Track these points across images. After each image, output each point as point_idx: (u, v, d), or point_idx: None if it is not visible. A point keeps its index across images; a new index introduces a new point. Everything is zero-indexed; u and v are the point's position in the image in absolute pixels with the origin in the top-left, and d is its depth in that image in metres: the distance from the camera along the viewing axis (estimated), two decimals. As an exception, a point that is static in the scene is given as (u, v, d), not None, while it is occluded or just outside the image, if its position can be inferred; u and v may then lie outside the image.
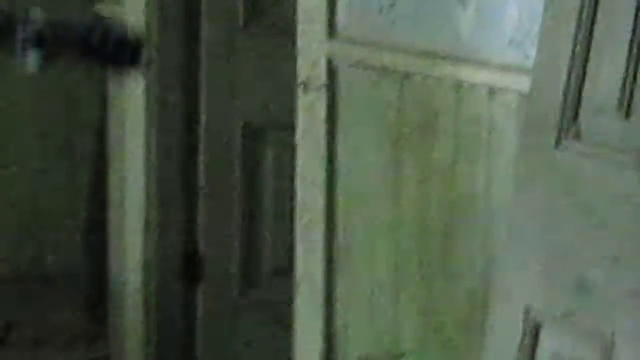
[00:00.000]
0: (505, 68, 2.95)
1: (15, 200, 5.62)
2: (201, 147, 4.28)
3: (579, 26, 2.40)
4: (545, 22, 2.62)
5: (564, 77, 2.47)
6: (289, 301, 3.69)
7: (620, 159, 2.25)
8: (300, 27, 3.60)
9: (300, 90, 3.63)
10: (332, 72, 3.51)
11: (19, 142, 5.72)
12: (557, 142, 2.45)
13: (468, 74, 3.09)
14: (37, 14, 2.26)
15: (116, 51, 2.17)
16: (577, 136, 2.41)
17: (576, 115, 2.44)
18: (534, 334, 2.46)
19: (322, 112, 3.52)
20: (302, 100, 3.62)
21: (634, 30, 2.26)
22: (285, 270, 3.86)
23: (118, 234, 4.65)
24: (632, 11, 2.26)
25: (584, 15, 2.39)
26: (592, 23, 2.40)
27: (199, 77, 4.31)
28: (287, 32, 3.75)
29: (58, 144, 5.69)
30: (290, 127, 3.67)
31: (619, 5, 2.34)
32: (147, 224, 4.32)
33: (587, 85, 2.42)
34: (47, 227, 5.60)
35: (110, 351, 4.65)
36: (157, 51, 4.29)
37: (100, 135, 4.92)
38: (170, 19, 4.28)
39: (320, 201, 3.55)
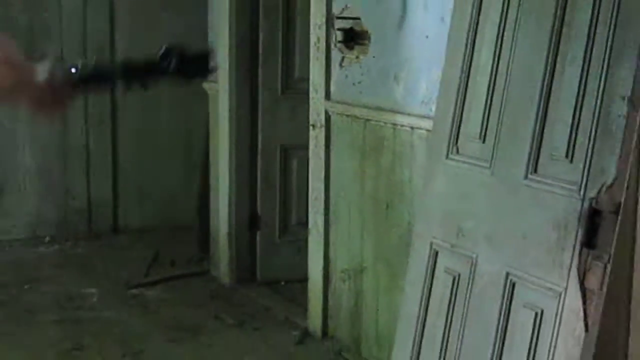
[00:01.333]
0: (419, 116, 3.64)
1: (159, 186, 6.24)
2: (259, 155, 5.05)
3: (457, 93, 3.07)
4: (440, 92, 3.24)
5: (450, 120, 3.11)
6: (305, 240, 4.51)
7: (480, 164, 2.96)
8: (311, 94, 4.31)
9: (311, 128, 4.34)
10: (328, 118, 4.22)
11: (161, 146, 6.27)
12: (447, 155, 3.10)
13: (400, 119, 3.78)
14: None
15: (188, 68, 2.16)
16: (457, 152, 3.08)
17: (457, 140, 3.08)
18: (434, 257, 3.13)
19: (322, 140, 4.25)
20: (312, 133, 4.33)
21: (488, 92, 2.96)
22: (304, 223, 4.66)
23: (215, 203, 5.30)
24: (486, 83, 2.96)
25: (461, 86, 3.05)
26: (465, 90, 3.04)
27: (258, 116, 5.00)
28: (304, 95, 4.45)
29: (183, 146, 6.23)
30: (306, 148, 4.43)
31: (481, 80, 2.98)
32: (230, 198, 5.08)
33: (463, 124, 3.08)
34: (177, 198, 6.12)
35: (210, 268, 5.32)
36: (236, 101, 4.93)
37: (207, 142, 5.39)
38: (242, 87, 4.98)
39: (321, 187, 4.29)
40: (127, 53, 5.88)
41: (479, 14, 3.06)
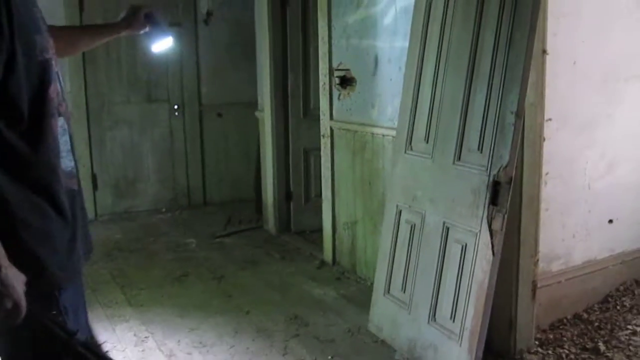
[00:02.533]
0: (388, 128, 3.62)
1: (230, 175, 6.13)
2: (290, 155, 4.96)
3: (410, 113, 3.06)
4: (399, 113, 3.17)
5: (406, 130, 3.05)
6: (320, 206, 4.42)
7: (425, 156, 2.95)
8: (321, 116, 4.28)
9: (322, 137, 4.29)
10: (332, 131, 4.17)
11: (232, 151, 6.14)
12: (405, 151, 3.09)
13: (376, 130, 3.76)
14: None
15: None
16: (411, 149, 3.05)
17: (411, 141, 3.07)
18: (399, 214, 3.11)
19: (329, 144, 4.21)
20: (322, 140, 4.29)
21: (429, 112, 2.93)
22: (319, 195, 4.49)
23: (264, 184, 5.15)
24: (428, 106, 2.92)
25: (412, 109, 3.05)
26: (415, 111, 3.02)
27: (289, 130, 4.92)
28: (317, 118, 4.39)
29: (244, 150, 6.07)
30: (319, 149, 4.37)
31: (424, 105, 2.96)
32: (274, 181, 4.98)
33: (414, 132, 3.04)
34: (242, 182, 5.97)
35: (263, 224, 5.21)
36: (275, 123, 4.86)
37: (258, 147, 5.27)
38: (278, 114, 4.90)
39: (329, 173, 4.23)
40: (208, 95, 6.03)
41: (422, 64, 3.04)
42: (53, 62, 1.50)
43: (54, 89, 1.48)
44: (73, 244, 1.54)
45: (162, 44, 2.17)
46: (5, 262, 1.29)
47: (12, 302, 1.28)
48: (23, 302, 1.30)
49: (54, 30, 1.63)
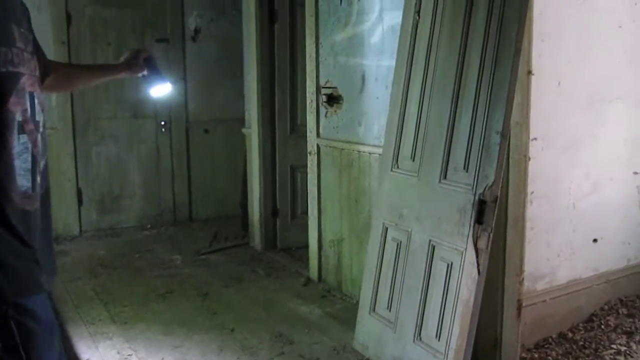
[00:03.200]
0: (374, 146, 3.61)
1: (217, 191, 6.12)
2: (277, 171, 4.93)
3: (396, 131, 3.05)
4: (386, 131, 3.18)
5: (392, 148, 3.08)
6: (306, 223, 4.40)
7: (411, 174, 2.95)
8: (308, 133, 4.26)
9: (308, 154, 4.26)
10: (318, 148, 4.15)
11: (218, 167, 6.12)
12: (391, 169, 3.09)
13: (362, 148, 3.74)
14: None
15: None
16: (397, 167, 3.07)
17: (397, 160, 3.07)
18: (385, 231, 3.10)
19: (315, 161, 4.17)
20: (309, 157, 4.26)
21: (415, 130, 2.94)
22: (305, 212, 4.51)
23: (250, 201, 5.15)
24: (414, 125, 2.92)
25: (399, 127, 3.04)
26: (401, 130, 3.02)
27: (276, 146, 4.90)
28: (304, 135, 4.36)
29: (230, 167, 6.01)
30: (305, 166, 4.35)
31: (411, 123, 2.96)
32: (260, 197, 4.96)
33: (400, 150, 3.05)
34: (228, 199, 6.00)
35: (248, 241, 5.17)
36: (262, 139, 4.84)
37: (245, 164, 5.23)
38: (265, 130, 4.88)
39: (315, 190, 4.21)
40: (195, 112, 6.01)
41: (408, 83, 3.05)
42: (22, 80, 1.49)
43: (16, 104, 1.47)
44: (27, 262, 1.51)
45: (161, 90, 2.23)
46: None
47: None
48: None
49: (56, 64, 1.66)
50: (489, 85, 2.58)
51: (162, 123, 5.92)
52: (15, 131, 1.47)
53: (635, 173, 3.47)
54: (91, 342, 3.39)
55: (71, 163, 5.53)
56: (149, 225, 5.92)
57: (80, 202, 5.64)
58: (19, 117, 1.48)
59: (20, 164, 1.50)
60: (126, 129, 5.79)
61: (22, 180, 1.51)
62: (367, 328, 3.14)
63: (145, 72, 2.16)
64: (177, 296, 4.12)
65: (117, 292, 4.19)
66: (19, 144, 1.49)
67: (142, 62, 2.10)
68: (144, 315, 3.79)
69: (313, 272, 4.36)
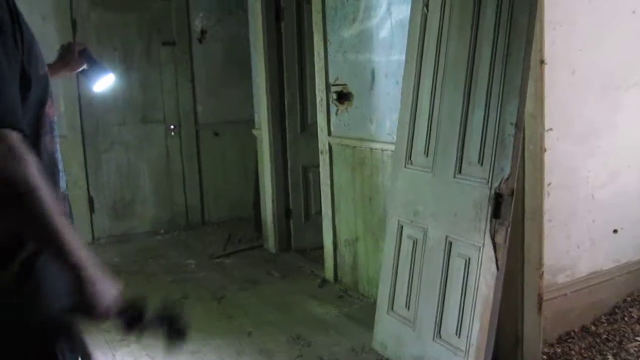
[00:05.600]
0: (386, 142, 3.63)
1: (229, 193, 6.11)
2: (289, 172, 4.97)
3: (409, 127, 3.06)
4: (398, 127, 3.19)
5: (405, 144, 3.10)
6: (321, 223, 4.41)
7: (425, 170, 2.96)
8: (319, 132, 4.26)
9: (320, 153, 4.28)
10: (330, 147, 4.15)
11: (229, 170, 6.13)
12: (404, 165, 3.10)
13: (374, 145, 3.75)
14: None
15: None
16: (411, 163, 3.07)
17: (410, 156, 3.08)
18: (401, 229, 3.11)
19: (327, 160, 4.19)
20: (321, 157, 4.28)
21: (428, 125, 2.96)
22: (319, 212, 4.47)
23: (263, 203, 5.12)
24: (427, 120, 2.93)
25: (411, 123, 3.05)
26: (414, 125, 3.02)
27: (287, 146, 4.91)
28: (315, 134, 4.38)
29: (242, 169, 6.09)
30: (317, 166, 4.39)
31: (423, 118, 2.97)
32: (273, 199, 4.99)
33: (413, 146, 3.03)
34: (240, 201, 6.02)
35: (263, 243, 5.19)
36: (273, 139, 4.86)
37: (256, 165, 5.24)
38: (276, 130, 4.89)
39: (328, 189, 4.22)
40: (204, 114, 6.04)
41: (419, 78, 3.04)
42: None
43: (50, 106, 1.43)
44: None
45: (104, 82, 2.16)
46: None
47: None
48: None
49: None
50: (501, 76, 2.57)
51: (172, 127, 5.95)
52: (50, 131, 1.43)
53: (655, 160, 3.45)
54: (107, 350, 3.41)
55: (81, 171, 5.57)
56: (162, 230, 5.96)
57: (92, 209, 5.68)
58: (54, 120, 1.46)
59: (60, 164, 1.48)
60: (135, 135, 5.82)
61: (62, 182, 1.49)
62: (386, 328, 3.14)
63: (85, 67, 2.07)
64: (193, 301, 4.14)
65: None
66: (55, 143, 1.46)
67: (77, 57, 2.00)
68: (160, 321, 3.80)
69: (329, 272, 4.37)
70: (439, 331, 2.81)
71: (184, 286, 4.43)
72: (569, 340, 3.07)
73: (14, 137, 1.16)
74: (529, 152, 2.79)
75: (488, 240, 2.57)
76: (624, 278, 3.35)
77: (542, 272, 2.86)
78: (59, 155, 1.49)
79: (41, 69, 1.38)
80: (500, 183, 2.55)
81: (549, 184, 2.95)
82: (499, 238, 2.56)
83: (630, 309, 3.28)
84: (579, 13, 3.00)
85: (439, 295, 2.81)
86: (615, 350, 2.94)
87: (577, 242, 3.16)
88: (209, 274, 4.70)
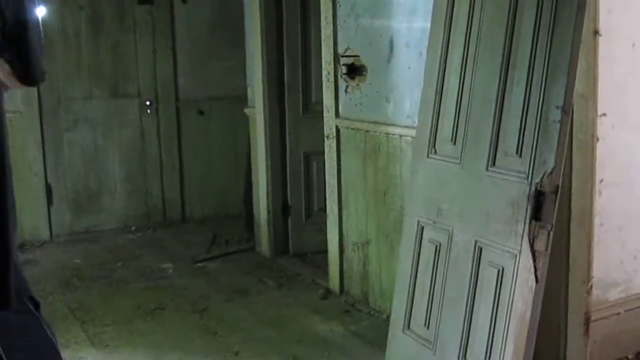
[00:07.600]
0: (405, 127, 3.66)
1: (215, 185, 6.17)
2: (288, 160, 4.97)
3: (433, 108, 3.04)
4: (420, 108, 3.18)
5: (428, 129, 3.09)
6: (324, 222, 4.45)
7: (452, 161, 2.93)
8: (324, 113, 4.30)
9: (325, 138, 4.31)
10: (338, 131, 4.18)
11: (215, 156, 6.18)
12: (427, 155, 3.08)
13: (391, 130, 3.77)
14: None
15: None
16: (435, 152, 3.06)
17: (434, 143, 3.05)
18: (421, 231, 3.10)
19: (334, 147, 4.21)
20: (326, 142, 4.30)
21: (456, 107, 2.92)
22: (323, 209, 4.57)
23: (256, 197, 5.20)
24: (455, 100, 2.91)
25: (436, 103, 3.03)
26: (439, 106, 3.01)
27: (286, 129, 4.95)
28: (320, 115, 4.41)
29: (231, 155, 6.15)
30: (322, 153, 4.39)
31: (450, 98, 2.96)
32: (267, 192, 4.99)
33: (438, 131, 3.05)
34: (228, 194, 6.07)
35: (254, 245, 5.24)
36: (269, 121, 4.88)
37: (249, 151, 5.31)
38: (273, 110, 4.93)
39: (335, 182, 4.24)
40: (186, 89, 6.04)
41: (447, 49, 3.02)
42: None
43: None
44: None
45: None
46: None
47: None
48: None
49: None
50: (546, 49, 2.54)
51: (147, 103, 5.94)
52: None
53: None
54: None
55: (38, 154, 5.56)
56: (134, 228, 5.96)
57: (50, 201, 5.68)
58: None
59: None
60: (104, 111, 5.81)
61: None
62: (401, 349, 3.13)
63: None
64: (170, 313, 4.14)
65: (97, 309, 4.22)
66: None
67: None
68: (129, 336, 3.81)
69: (333, 282, 4.38)
70: (465, 355, 2.78)
71: (160, 295, 4.42)
72: (621, 369, 3.08)
73: None
74: (577, 141, 2.78)
75: (526, 247, 2.55)
76: (688, 295, 3.35)
77: (591, 287, 2.85)
78: None
79: None
80: (542, 178, 2.51)
81: (601, 181, 2.92)
82: (539, 244, 2.53)
83: (696, 333, 3.27)
84: (643, -26, 2.99)
85: (466, 311, 2.80)
86: (676, 382, 2.97)
87: (634, 252, 3.14)
88: (189, 281, 4.69)
